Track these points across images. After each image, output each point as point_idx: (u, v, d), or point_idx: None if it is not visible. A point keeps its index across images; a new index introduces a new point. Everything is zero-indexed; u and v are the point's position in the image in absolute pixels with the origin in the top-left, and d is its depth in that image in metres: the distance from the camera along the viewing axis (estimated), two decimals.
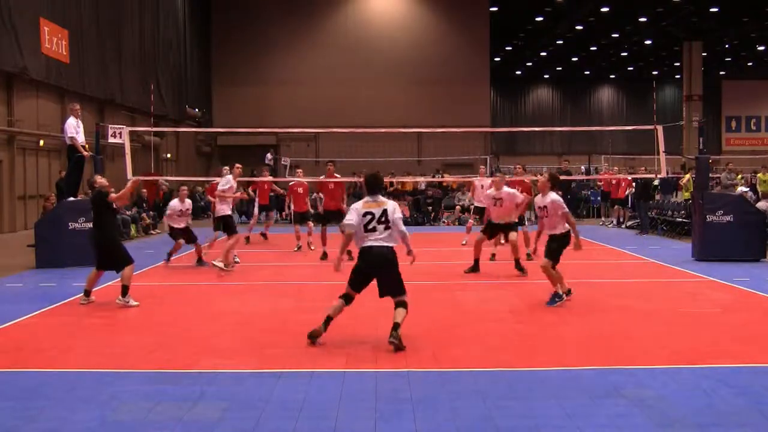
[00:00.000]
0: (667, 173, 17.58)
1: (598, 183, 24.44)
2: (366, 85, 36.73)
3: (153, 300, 9.48)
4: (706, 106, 45.13)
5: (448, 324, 7.80)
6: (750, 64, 52.16)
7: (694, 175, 15.68)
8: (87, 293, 9.04)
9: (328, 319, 6.84)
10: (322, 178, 14.50)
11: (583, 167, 37.46)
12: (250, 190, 17.70)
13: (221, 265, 11.64)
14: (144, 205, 21.82)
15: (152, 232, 20.11)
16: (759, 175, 21.42)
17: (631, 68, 53.93)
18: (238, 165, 12.75)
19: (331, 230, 14.01)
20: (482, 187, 14.76)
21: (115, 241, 9.19)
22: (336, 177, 14.40)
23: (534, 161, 40.93)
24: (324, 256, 13.46)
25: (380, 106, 35.90)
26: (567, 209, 8.81)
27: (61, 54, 21.21)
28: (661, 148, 13.74)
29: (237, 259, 12.98)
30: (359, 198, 7.64)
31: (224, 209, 12.29)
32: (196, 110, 34.40)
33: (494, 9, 37.97)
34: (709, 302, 9.03)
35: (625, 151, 41.22)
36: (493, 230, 11.92)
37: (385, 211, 6.79)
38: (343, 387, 5.53)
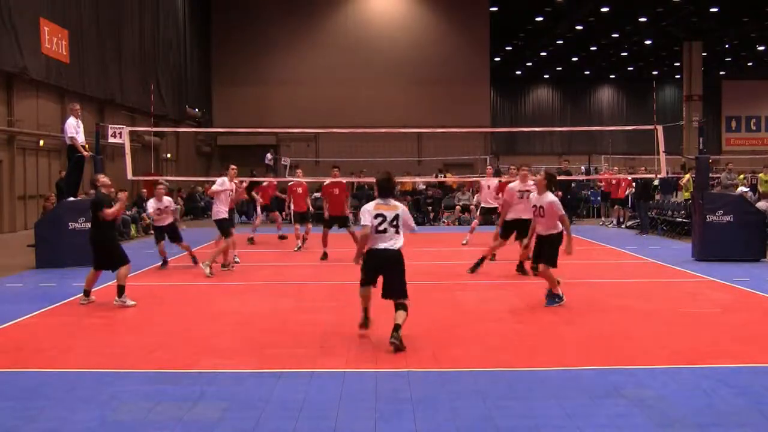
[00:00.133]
0: (667, 173, 17.59)
1: (598, 183, 24.44)
2: (366, 85, 36.73)
3: (153, 300, 9.48)
4: (706, 106, 45.13)
5: (448, 324, 7.80)
6: (750, 64, 52.16)
7: (694, 175, 15.68)
8: (87, 293, 9.05)
9: (365, 311, 7.10)
10: (327, 181, 14.33)
11: (583, 167, 37.43)
12: (253, 193, 17.68)
13: (207, 270, 11.31)
14: (144, 205, 21.80)
15: (152, 232, 20.07)
16: (760, 175, 21.41)
17: (631, 68, 53.93)
18: (233, 166, 12.54)
19: (333, 231, 14.01)
20: (489, 187, 14.73)
21: (112, 240, 9.19)
22: (341, 181, 14.34)
23: (534, 161, 40.85)
24: (324, 256, 13.46)
25: (380, 106, 35.90)
26: (563, 212, 8.74)
27: (61, 54, 21.21)
28: (661, 148, 13.75)
29: (237, 259, 12.98)
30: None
31: (220, 212, 11.86)
32: (196, 110, 34.41)
33: (494, 9, 37.97)
34: (709, 302, 9.03)
35: (625, 151, 41.22)
36: (509, 231, 11.48)
37: (397, 216, 6.88)
38: (343, 387, 5.52)
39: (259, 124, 33.23)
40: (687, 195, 18.86)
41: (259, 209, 17.35)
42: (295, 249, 15.05)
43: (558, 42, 44.97)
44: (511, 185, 11.60)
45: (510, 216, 11.34)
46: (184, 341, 7.18)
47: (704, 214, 12.77)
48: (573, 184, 23.65)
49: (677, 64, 47.76)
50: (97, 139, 13.57)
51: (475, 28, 37.72)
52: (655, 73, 53.47)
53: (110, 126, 15.35)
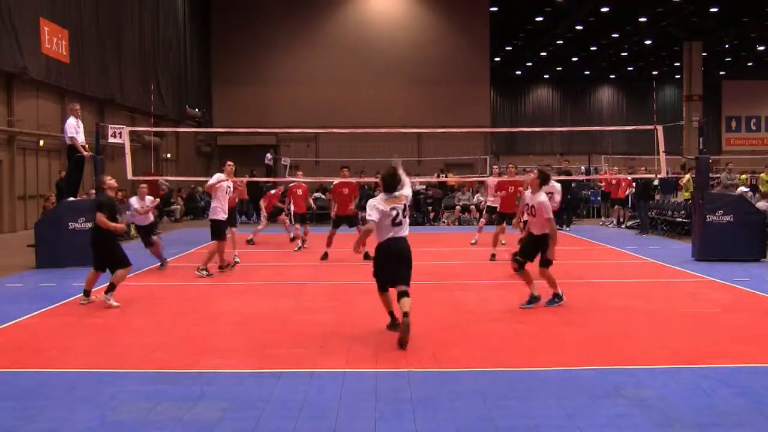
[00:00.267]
0: (667, 173, 17.58)
1: (598, 183, 24.44)
2: (366, 85, 36.73)
3: (153, 300, 9.48)
4: (706, 106, 45.14)
5: (448, 324, 7.80)
6: (750, 64, 52.18)
7: (694, 175, 15.68)
8: (87, 293, 9.04)
9: (391, 314, 7.25)
10: (336, 181, 14.32)
11: (583, 167, 37.45)
12: (261, 202, 17.71)
13: (204, 274, 11.27)
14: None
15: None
16: (762, 175, 21.39)
17: (631, 68, 53.95)
18: (229, 162, 12.28)
19: (341, 231, 14.00)
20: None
21: (114, 241, 9.17)
22: (351, 181, 14.34)
23: (534, 161, 40.89)
24: (325, 256, 13.46)
25: (380, 106, 35.91)
26: (551, 215, 8.57)
27: (61, 54, 21.22)
28: (661, 148, 13.73)
29: (237, 259, 12.97)
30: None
31: (217, 212, 11.59)
32: (196, 110, 34.41)
33: (494, 9, 37.98)
34: (709, 302, 9.02)
35: (625, 151, 41.20)
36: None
37: (405, 206, 7.21)
38: (343, 387, 5.52)
39: (259, 124, 33.22)
40: (687, 195, 18.86)
41: (264, 216, 17.32)
42: (296, 249, 15.06)
43: (558, 42, 44.98)
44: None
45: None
46: (184, 341, 7.18)
47: (704, 214, 12.77)
48: (573, 184, 23.64)
49: (677, 64, 47.77)
50: (97, 139, 13.56)
51: (475, 28, 37.72)
52: (655, 73, 53.49)
53: (110, 126, 15.34)
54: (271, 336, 7.33)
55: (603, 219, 23.41)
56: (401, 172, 7.36)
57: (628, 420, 4.78)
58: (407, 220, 7.22)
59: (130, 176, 13.97)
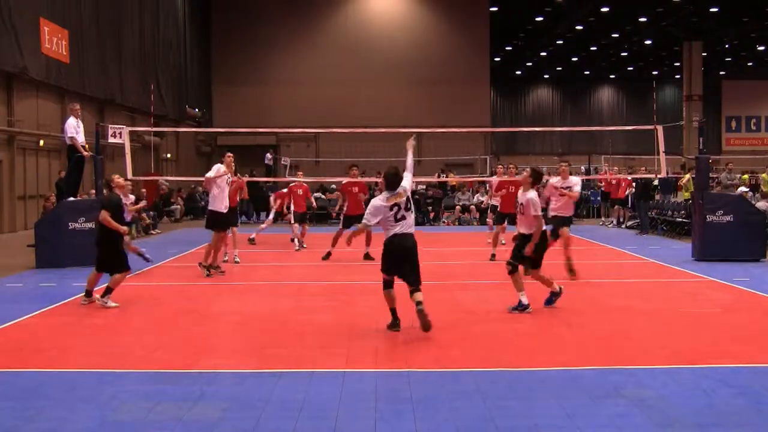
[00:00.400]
0: (667, 173, 17.57)
1: (598, 183, 24.44)
2: (366, 85, 36.71)
3: (153, 300, 9.48)
4: (706, 106, 45.13)
5: (448, 324, 7.79)
6: (750, 64, 52.18)
7: (694, 175, 15.68)
8: (88, 294, 9.03)
9: (393, 312, 7.35)
10: (345, 180, 14.25)
11: (583, 167, 37.44)
12: (271, 198, 17.78)
13: (205, 273, 11.23)
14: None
15: (152, 232, 20.11)
16: (763, 175, 21.39)
17: (631, 68, 53.95)
18: (229, 154, 12.05)
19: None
20: None
21: (119, 242, 9.13)
22: (360, 181, 14.32)
23: (534, 161, 40.91)
24: (327, 256, 13.43)
25: (380, 106, 35.88)
26: (540, 212, 8.43)
27: (61, 54, 21.21)
28: (661, 148, 13.74)
29: (237, 259, 12.98)
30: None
31: (215, 203, 11.35)
32: (196, 110, 34.41)
33: (494, 9, 37.97)
34: (709, 302, 9.02)
35: (625, 151, 41.22)
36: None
37: (408, 199, 7.31)
38: (343, 387, 5.52)
39: (259, 124, 33.17)
40: (687, 195, 18.86)
41: (272, 215, 17.27)
42: (296, 249, 15.06)
43: (558, 42, 44.98)
44: (552, 180, 11.53)
45: (550, 213, 11.17)
46: (184, 341, 7.18)
47: (704, 214, 12.76)
48: None
49: (677, 64, 47.76)
50: (97, 139, 13.57)
51: (475, 28, 37.71)
52: (655, 73, 53.49)
53: (110, 126, 15.34)
54: (271, 336, 7.32)
55: (603, 219, 23.41)
56: (409, 156, 7.72)
57: (628, 420, 4.78)
58: (411, 214, 7.30)
59: (130, 176, 13.97)
